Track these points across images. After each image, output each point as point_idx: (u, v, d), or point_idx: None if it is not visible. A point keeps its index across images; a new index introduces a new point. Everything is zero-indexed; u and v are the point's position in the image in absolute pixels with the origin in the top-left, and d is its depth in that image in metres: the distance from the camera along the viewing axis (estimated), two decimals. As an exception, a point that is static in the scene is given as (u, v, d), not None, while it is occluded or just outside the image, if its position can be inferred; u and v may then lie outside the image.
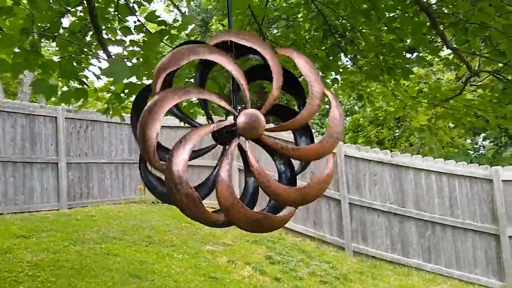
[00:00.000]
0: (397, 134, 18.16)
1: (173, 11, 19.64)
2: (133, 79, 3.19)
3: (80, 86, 3.55)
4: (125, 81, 3.07)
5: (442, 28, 3.90)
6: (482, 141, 16.32)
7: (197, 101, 3.44)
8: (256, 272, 7.73)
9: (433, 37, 4.43)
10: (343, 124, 1.55)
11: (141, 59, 3.01)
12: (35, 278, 5.76)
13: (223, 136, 1.50)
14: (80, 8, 4.25)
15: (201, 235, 8.88)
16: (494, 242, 9.06)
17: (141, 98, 1.59)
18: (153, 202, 10.54)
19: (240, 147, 1.57)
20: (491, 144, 16.56)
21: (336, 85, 5.09)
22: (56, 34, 3.37)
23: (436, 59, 11.58)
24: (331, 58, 4.40)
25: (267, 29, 4.46)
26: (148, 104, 1.30)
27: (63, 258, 6.55)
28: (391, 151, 10.86)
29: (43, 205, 9.45)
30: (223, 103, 1.41)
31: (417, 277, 9.07)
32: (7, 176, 8.99)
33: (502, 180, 9.03)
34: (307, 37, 4.52)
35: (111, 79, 2.76)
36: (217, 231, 9.19)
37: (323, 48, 4.42)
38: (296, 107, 1.70)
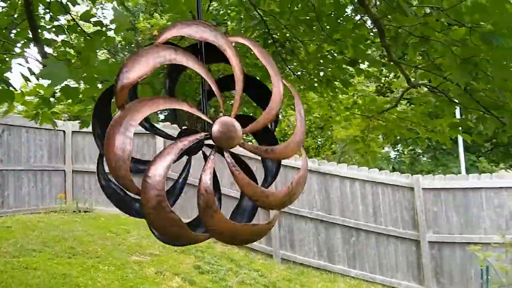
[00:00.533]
0: (320, 142, 18.64)
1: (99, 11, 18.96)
2: (69, 82, 2.99)
3: (6, 88, 3.27)
4: (61, 84, 2.85)
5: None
6: (402, 149, 17.13)
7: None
8: (185, 283, 7.55)
9: (373, 50, 4.55)
10: (304, 119, 1.52)
11: (77, 61, 2.82)
12: None
13: (192, 148, 1.41)
14: (2, 3, 3.96)
15: (127, 245, 8.55)
16: (414, 247, 9.46)
17: (102, 103, 1.46)
18: (74, 211, 10.03)
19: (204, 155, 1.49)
20: (410, 151, 17.42)
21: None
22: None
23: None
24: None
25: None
26: (114, 119, 1.18)
27: (-24, 273, 6.06)
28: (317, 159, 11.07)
29: (-49, 215, 8.71)
30: (196, 112, 1.31)
31: (342, 283, 9.26)
32: None
33: (422, 188, 9.46)
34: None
35: (43, 81, 2.56)
36: (143, 241, 8.90)
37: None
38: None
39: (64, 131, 10.70)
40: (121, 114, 1.17)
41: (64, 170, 10.75)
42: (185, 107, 1.28)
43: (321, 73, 4.33)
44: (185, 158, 1.46)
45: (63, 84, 2.62)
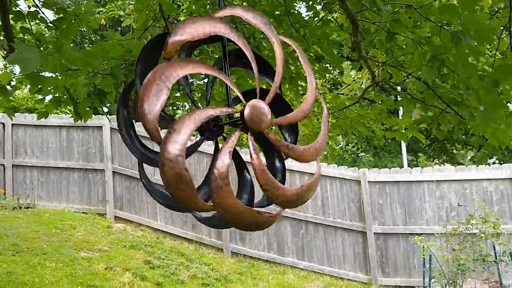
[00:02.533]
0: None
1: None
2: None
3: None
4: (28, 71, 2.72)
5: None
6: (346, 145, 17.52)
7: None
8: (136, 278, 7.42)
9: (339, 48, 4.61)
10: (328, 127, 1.55)
11: (50, 47, 2.69)
12: None
13: (210, 131, 1.41)
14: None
15: (74, 241, 8.29)
16: (361, 239, 9.75)
17: (129, 89, 1.43)
18: (15, 208, 9.59)
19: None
20: (353, 148, 17.85)
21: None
22: None
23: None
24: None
25: (172, 27, 4.28)
26: (157, 67, 1.17)
27: None
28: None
29: None
30: (233, 86, 1.32)
31: (292, 274, 9.41)
32: None
33: (368, 181, 9.76)
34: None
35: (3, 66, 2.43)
36: (91, 237, 8.67)
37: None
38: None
39: (3, 124, 10.18)
40: (165, 66, 1.16)
41: (3, 165, 10.25)
42: (222, 77, 1.29)
43: (288, 71, 4.35)
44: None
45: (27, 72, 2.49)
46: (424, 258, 8.67)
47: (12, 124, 10.26)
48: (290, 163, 8.62)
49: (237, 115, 1.35)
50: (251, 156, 1.28)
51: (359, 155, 17.61)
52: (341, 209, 9.88)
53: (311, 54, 4.10)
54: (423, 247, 8.62)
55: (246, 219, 1.29)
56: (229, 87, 1.41)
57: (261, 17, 1.40)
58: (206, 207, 1.25)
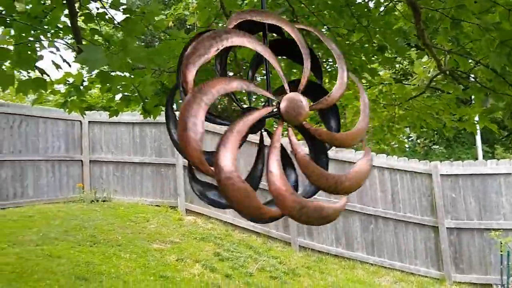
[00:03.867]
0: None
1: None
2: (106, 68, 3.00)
3: (39, 76, 3.29)
4: (96, 70, 2.86)
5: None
6: (417, 139, 17.00)
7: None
8: (206, 270, 7.61)
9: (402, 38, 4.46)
10: (369, 108, 1.52)
11: (116, 47, 2.82)
12: (-27, 284, 5.35)
13: (260, 126, 1.41)
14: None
15: (147, 233, 8.62)
16: (433, 233, 9.44)
17: (177, 87, 1.47)
18: (93, 201, 10.10)
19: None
20: (425, 141, 17.29)
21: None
22: (12, 18, 3.09)
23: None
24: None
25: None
26: (185, 100, 1.18)
27: (2, 261, 6.13)
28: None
29: (-27, 205, 8.81)
30: (262, 92, 1.32)
31: (361, 270, 9.28)
32: None
33: (440, 174, 9.42)
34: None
35: (72, 69, 2.56)
36: (162, 229, 8.97)
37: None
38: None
39: (80, 121, 10.73)
40: (192, 95, 1.17)
41: (81, 160, 10.81)
42: (264, 93, 1.30)
43: (350, 63, 4.27)
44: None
45: (97, 70, 2.62)
46: (501, 254, 8.27)
47: (89, 122, 10.80)
48: (343, 155, 8.50)
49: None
50: (294, 151, 1.27)
51: (432, 147, 17.00)
52: (411, 203, 9.61)
53: (374, 45, 4.00)
54: (501, 243, 8.22)
55: (313, 216, 1.28)
56: (269, 83, 1.42)
57: (273, 15, 1.39)
58: (275, 213, 1.26)
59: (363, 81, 4.52)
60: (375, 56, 4.30)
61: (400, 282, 9.00)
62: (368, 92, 5.06)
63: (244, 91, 1.38)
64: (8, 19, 3.06)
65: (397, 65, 15.57)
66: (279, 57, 1.70)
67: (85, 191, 10.46)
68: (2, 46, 3.28)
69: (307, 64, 1.41)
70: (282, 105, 1.29)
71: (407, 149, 17.52)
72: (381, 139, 5.96)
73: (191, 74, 1.20)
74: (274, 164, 1.23)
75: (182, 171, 10.37)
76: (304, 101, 1.31)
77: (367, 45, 4.02)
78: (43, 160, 10.27)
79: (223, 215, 10.15)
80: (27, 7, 3.17)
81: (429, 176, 9.51)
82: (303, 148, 1.30)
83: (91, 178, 10.87)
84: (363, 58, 4.16)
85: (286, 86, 1.36)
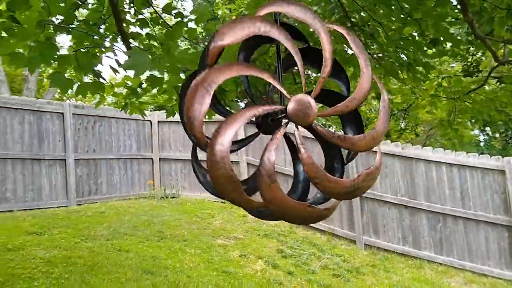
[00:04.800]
0: (403, 125, 18.06)
1: (177, 5, 19.52)
2: (154, 71, 3.13)
3: (96, 80, 3.49)
4: (146, 74, 3.00)
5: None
6: (493, 133, 16.18)
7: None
8: (268, 266, 7.69)
9: (458, 28, 4.30)
10: (389, 113, 1.49)
11: (160, 51, 2.94)
12: (49, 275, 5.72)
13: (267, 125, 1.44)
14: (92, 0, 4.19)
15: (212, 229, 8.84)
16: (507, 233, 8.98)
17: (189, 82, 1.54)
18: (162, 197, 10.50)
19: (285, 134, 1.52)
20: (501, 135, 16.43)
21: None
22: (71, 26, 3.30)
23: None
24: (350, 52, 4.31)
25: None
26: (198, 77, 1.24)
27: (75, 254, 6.51)
28: (400, 142, 10.77)
29: (51, 202, 9.41)
30: (275, 83, 1.35)
31: (429, 269, 9.01)
32: (16, 174, 8.96)
33: (515, 171, 8.95)
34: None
35: (129, 72, 2.70)
36: (227, 225, 9.15)
37: (342, 42, 4.32)
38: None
39: (150, 121, 11.19)
40: (206, 73, 1.23)
41: (151, 158, 11.26)
42: (265, 76, 1.32)
43: (403, 57, 4.17)
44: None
45: (148, 74, 2.75)
46: None
47: (158, 121, 11.24)
48: (409, 151, 8.20)
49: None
50: (298, 150, 1.30)
51: (509, 141, 16.13)
52: (483, 201, 9.19)
53: (427, 38, 3.89)
54: None
55: (296, 214, 1.31)
56: (281, 83, 1.44)
57: (302, 7, 1.40)
58: (256, 204, 1.30)
59: (418, 75, 4.40)
60: (432, 50, 4.17)
61: (471, 284, 8.65)
62: (426, 86, 4.91)
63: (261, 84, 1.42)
64: (68, 27, 3.27)
65: (470, 57, 14.88)
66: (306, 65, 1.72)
67: (155, 188, 10.89)
68: (64, 54, 3.52)
69: (325, 70, 1.42)
70: (290, 105, 1.32)
71: (481, 144, 16.72)
72: (444, 134, 5.75)
73: (214, 50, 1.25)
74: (269, 158, 1.26)
75: (246, 169, 10.53)
76: (313, 103, 1.33)
77: (420, 38, 3.91)
78: (116, 158, 10.81)
79: (287, 212, 10.18)
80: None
81: (502, 173, 9.05)
82: (308, 149, 1.32)
83: (161, 175, 11.30)
84: (416, 51, 4.05)
85: (304, 87, 1.38)
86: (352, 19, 4.00)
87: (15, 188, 8.89)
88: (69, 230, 7.53)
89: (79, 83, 3.57)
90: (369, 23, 4.07)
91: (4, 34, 3.01)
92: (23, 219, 7.73)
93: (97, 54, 3.75)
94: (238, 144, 1.62)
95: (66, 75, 3.78)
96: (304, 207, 1.32)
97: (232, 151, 1.53)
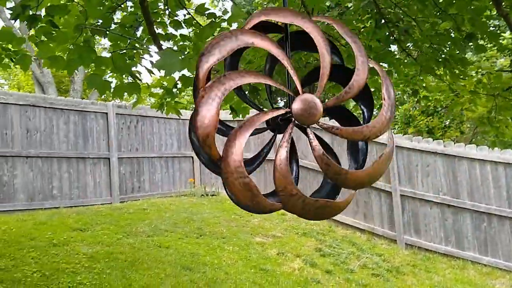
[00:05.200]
0: (447, 123, 17.63)
1: (218, 5, 19.72)
2: (186, 71, 3.20)
3: (133, 81, 3.59)
4: (178, 74, 3.08)
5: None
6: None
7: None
8: (306, 265, 7.68)
9: (491, 22, 4.17)
10: (394, 97, 1.48)
11: (191, 51, 3.01)
12: (91, 270, 5.91)
13: (277, 124, 1.47)
14: (130, 3, 4.31)
15: (250, 227, 8.90)
16: (556, 234, 8.66)
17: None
18: (202, 195, 10.65)
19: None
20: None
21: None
22: (108, 29, 3.41)
23: (489, 45, 11.09)
24: (384, 49, 4.26)
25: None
26: (200, 94, 1.28)
27: (117, 250, 6.70)
28: (443, 140, 10.52)
29: (96, 199, 9.72)
30: (279, 86, 1.37)
31: (473, 270, 8.78)
32: (62, 172, 9.29)
33: None
34: (361, 27, 4.39)
35: (163, 73, 2.77)
36: (266, 223, 9.20)
37: (377, 38, 4.28)
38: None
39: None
40: (208, 87, 1.26)
41: (192, 157, 11.44)
42: (269, 82, 1.35)
43: (440, 53, 4.08)
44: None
45: (179, 74, 2.81)
46: None
47: (198, 120, 11.40)
48: (452, 149, 7.98)
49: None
50: (311, 146, 1.32)
51: None
52: (530, 201, 8.88)
53: (462, 32, 3.79)
54: None
55: (313, 210, 1.32)
56: (289, 84, 1.46)
57: (291, 12, 1.42)
58: (276, 207, 1.32)
59: (456, 71, 4.29)
60: (470, 45, 4.06)
61: (517, 286, 8.38)
62: (464, 83, 4.79)
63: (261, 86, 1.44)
64: (105, 30, 3.38)
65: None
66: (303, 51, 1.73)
67: (195, 186, 11.06)
68: (101, 56, 3.63)
69: (325, 65, 1.43)
70: (295, 106, 1.34)
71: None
72: (484, 131, 5.58)
73: (202, 72, 1.29)
74: (282, 161, 1.29)
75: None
76: (318, 102, 1.35)
77: (456, 33, 3.82)
78: (158, 157, 11.05)
79: (326, 210, 10.14)
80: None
81: (551, 171, 8.72)
82: (317, 144, 1.34)
83: (201, 173, 11.46)
84: (452, 46, 3.96)
85: (299, 88, 1.40)
86: (386, 16, 3.96)
87: (61, 186, 9.23)
88: (112, 226, 7.75)
89: (116, 84, 3.68)
90: (403, 19, 4.01)
91: (43, 38, 3.14)
92: (68, 216, 8.00)
93: (135, 56, 3.85)
94: (260, 158, 1.63)
95: (106, 77, 3.92)
96: (321, 203, 1.33)
97: (254, 169, 1.56)
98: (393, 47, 4.35)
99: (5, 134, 8.72)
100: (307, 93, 1.35)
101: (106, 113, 10.21)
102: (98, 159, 9.99)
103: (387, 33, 4.00)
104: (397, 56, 4.29)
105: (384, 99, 1.45)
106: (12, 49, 3.60)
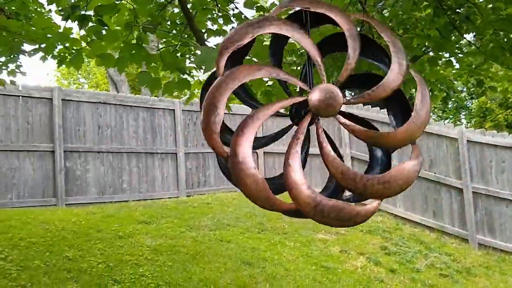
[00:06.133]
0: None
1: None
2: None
3: (182, 77, 3.63)
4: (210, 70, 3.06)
5: None
6: None
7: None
8: (370, 263, 7.49)
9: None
10: (428, 108, 1.35)
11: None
12: (154, 262, 6.08)
13: (301, 117, 1.40)
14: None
15: (313, 223, 8.75)
16: None
17: (211, 80, 1.55)
18: (266, 191, 10.66)
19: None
20: None
21: (451, 69, 4.65)
22: (157, 26, 3.46)
23: None
24: (444, 37, 4.03)
25: (372, 10, 4.20)
26: (213, 85, 1.25)
27: (180, 243, 6.85)
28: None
29: (163, 193, 10.00)
30: (291, 79, 1.31)
31: (553, 274, 8.19)
32: (131, 166, 9.63)
33: None
34: (418, 16, 4.18)
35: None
36: (330, 220, 9.05)
37: (436, 27, 4.06)
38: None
39: (255, 115, 11.42)
40: (219, 80, 1.23)
41: (256, 152, 11.48)
42: (281, 74, 1.29)
43: (505, 40, 3.80)
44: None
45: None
46: None
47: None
48: None
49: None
50: (319, 145, 1.24)
51: None
52: None
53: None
54: None
55: (329, 215, 1.25)
56: (311, 74, 1.38)
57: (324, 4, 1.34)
58: (285, 206, 1.26)
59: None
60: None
61: None
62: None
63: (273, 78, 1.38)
64: (153, 27, 3.43)
65: None
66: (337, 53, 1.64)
67: (260, 181, 11.10)
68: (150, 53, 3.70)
69: (352, 55, 1.35)
70: (312, 95, 1.27)
71: None
72: None
73: (222, 60, 1.26)
74: (294, 157, 1.23)
75: (351, 162, 10.34)
76: (338, 93, 1.27)
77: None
78: (223, 152, 11.17)
79: (393, 208, 9.85)
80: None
81: None
82: (326, 142, 1.26)
83: (266, 168, 11.49)
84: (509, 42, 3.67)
85: (324, 78, 1.33)
86: (445, 2, 3.73)
87: (131, 180, 9.58)
88: (176, 220, 7.93)
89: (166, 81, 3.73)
90: (463, 5, 3.77)
91: (94, 37, 3.24)
92: (136, 209, 8.28)
93: (186, 52, 3.89)
94: (269, 139, 1.59)
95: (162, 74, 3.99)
96: (338, 205, 1.25)
97: (259, 147, 1.51)
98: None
99: (77, 130, 9.16)
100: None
101: (173, 110, 10.46)
102: (166, 154, 10.28)
103: (447, 21, 3.77)
104: (457, 43, 4.04)
105: (415, 109, 1.32)
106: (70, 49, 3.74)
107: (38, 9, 4.03)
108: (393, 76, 1.30)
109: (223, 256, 6.67)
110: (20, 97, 8.57)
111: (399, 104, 1.47)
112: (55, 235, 6.35)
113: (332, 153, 1.26)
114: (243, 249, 7.07)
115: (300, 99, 1.30)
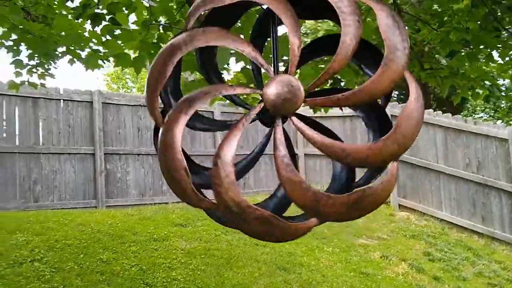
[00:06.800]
0: None
1: None
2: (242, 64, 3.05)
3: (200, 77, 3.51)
4: (239, 68, 2.93)
5: None
6: None
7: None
8: (412, 270, 7.16)
9: None
10: (420, 121, 1.13)
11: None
12: (187, 266, 6.01)
13: (269, 117, 1.23)
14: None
15: (354, 228, 8.52)
16: None
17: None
18: (306, 193, 10.45)
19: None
20: None
21: (492, 64, 4.33)
22: (175, 25, 3.36)
23: None
24: (484, 30, 3.75)
25: (405, 2, 3.96)
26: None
27: (214, 247, 6.76)
28: None
29: (202, 195, 9.96)
30: (252, 52, 1.12)
31: None
32: (170, 168, 9.65)
33: None
34: (454, 7, 3.91)
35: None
36: (372, 224, 8.75)
37: (475, 19, 3.78)
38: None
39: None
40: (174, 42, 1.08)
41: (296, 154, 11.29)
42: (244, 47, 1.11)
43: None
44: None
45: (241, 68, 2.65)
46: None
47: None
48: None
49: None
50: (274, 148, 1.06)
51: None
52: None
53: None
54: None
55: (252, 225, 1.06)
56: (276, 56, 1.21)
57: None
58: (204, 204, 1.08)
59: None
60: None
61: None
62: None
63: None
64: (170, 26, 3.33)
65: None
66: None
67: (300, 184, 10.90)
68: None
69: (347, 42, 1.17)
70: (267, 90, 1.08)
71: None
72: None
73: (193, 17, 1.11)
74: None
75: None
76: (297, 85, 1.08)
77: None
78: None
79: (439, 212, 9.43)
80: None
81: None
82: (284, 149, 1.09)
83: (306, 170, 11.27)
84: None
85: (293, 67, 1.14)
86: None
87: (169, 182, 9.59)
88: (212, 223, 7.80)
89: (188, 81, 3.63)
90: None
91: (108, 37, 3.17)
92: (172, 211, 8.25)
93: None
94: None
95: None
96: (267, 218, 1.07)
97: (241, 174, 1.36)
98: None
99: (118, 133, 9.25)
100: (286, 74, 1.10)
101: (212, 112, 10.41)
102: (205, 157, 10.22)
103: (486, 12, 3.49)
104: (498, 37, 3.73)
105: (398, 124, 1.10)
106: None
107: (64, 12, 4.01)
108: (379, 79, 1.08)
109: (258, 260, 6.53)
110: (62, 100, 8.73)
111: (378, 115, 1.27)
112: (91, 237, 6.39)
113: (286, 159, 1.07)
114: (279, 254, 6.90)
115: (250, 90, 1.12)
